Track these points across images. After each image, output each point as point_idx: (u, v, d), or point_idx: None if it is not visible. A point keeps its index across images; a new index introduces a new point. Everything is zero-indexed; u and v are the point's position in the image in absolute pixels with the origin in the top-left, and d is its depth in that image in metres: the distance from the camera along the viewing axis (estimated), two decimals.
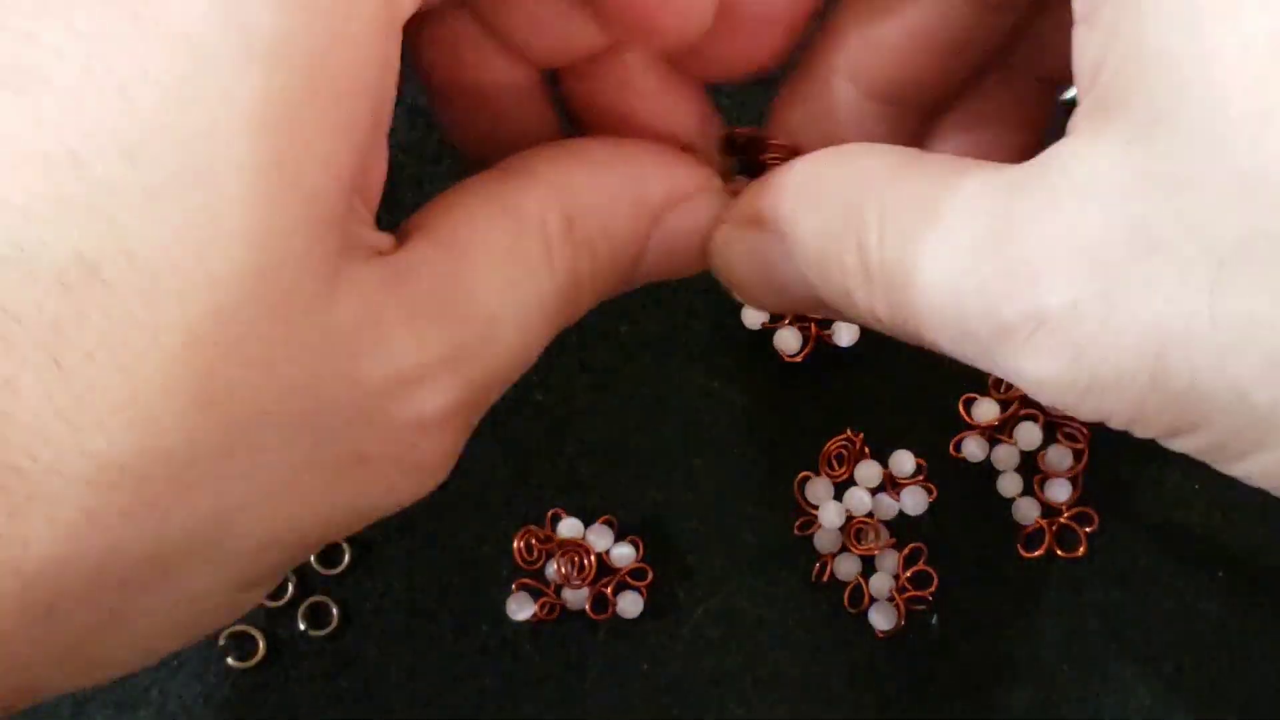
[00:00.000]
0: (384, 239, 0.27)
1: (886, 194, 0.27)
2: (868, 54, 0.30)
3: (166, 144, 0.23)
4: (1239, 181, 0.22)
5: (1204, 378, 0.23)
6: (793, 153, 0.30)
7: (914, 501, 0.41)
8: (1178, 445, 0.25)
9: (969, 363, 0.27)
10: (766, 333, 0.41)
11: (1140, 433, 0.25)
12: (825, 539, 0.41)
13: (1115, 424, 0.26)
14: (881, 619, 0.40)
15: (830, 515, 0.41)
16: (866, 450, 0.41)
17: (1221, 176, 0.23)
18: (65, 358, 0.22)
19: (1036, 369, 0.25)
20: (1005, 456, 0.41)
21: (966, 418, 0.41)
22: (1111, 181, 0.24)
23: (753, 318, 0.41)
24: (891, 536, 0.41)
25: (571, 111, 0.32)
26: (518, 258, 0.28)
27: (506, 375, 0.30)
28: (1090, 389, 0.25)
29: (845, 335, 0.41)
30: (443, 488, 0.41)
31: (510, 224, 0.28)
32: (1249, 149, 0.22)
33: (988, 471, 0.41)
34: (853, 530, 0.41)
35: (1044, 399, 0.25)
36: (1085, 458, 0.41)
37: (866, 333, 0.41)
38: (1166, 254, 0.23)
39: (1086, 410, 0.25)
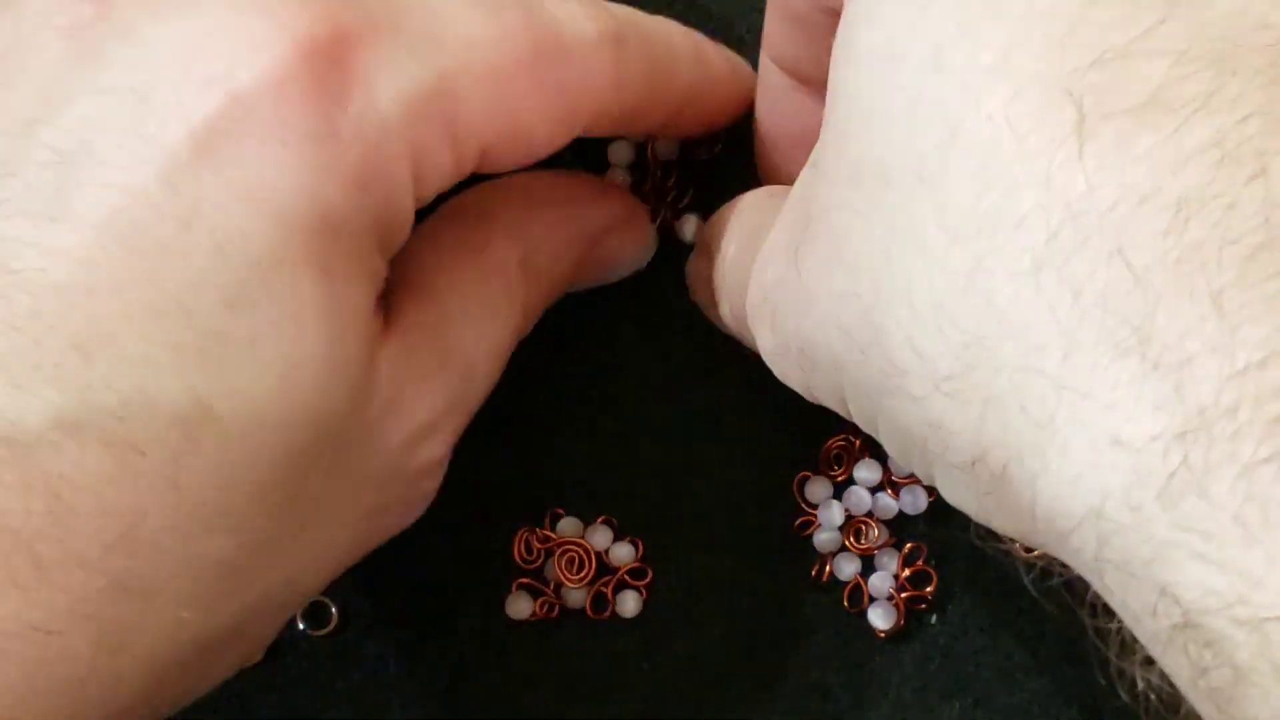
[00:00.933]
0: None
1: (747, 224, 0.34)
2: (776, 37, 0.35)
3: (260, 294, 0.27)
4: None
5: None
6: None
7: (913, 500, 0.41)
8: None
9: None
10: None
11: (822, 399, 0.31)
12: (825, 538, 0.41)
13: (808, 394, 0.32)
14: (881, 618, 0.40)
15: (830, 515, 0.41)
16: (866, 450, 0.41)
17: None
18: (182, 480, 0.26)
19: (762, 339, 0.32)
20: None
21: None
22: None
23: None
24: (891, 536, 0.41)
25: None
26: (487, 302, 0.33)
27: (479, 406, 0.34)
28: (784, 354, 0.31)
29: None
30: (443, 487, 0.41)
31: (478, 272, 0.33)
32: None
33: None
34: (852, 530, 0.41)
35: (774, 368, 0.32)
36: None
37: None
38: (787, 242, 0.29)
39: (791, 379, 0.31)
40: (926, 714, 0.40)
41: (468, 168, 0.31)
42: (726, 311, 0.36)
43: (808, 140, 0.30)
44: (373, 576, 0.41)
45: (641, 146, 0.41)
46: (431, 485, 0.34)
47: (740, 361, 0.41)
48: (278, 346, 0.27)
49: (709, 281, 0.37)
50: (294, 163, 0.27)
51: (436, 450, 0.32)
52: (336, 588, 0.40)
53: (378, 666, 0.41)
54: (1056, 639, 0.41)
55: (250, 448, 0.27)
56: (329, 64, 0.28)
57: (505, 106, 0.30)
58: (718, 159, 0.42)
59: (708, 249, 0.37)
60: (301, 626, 0.41)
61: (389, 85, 0.28)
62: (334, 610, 0.41)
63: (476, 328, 0.33)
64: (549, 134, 0.32)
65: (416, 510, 0.34)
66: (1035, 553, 0.34)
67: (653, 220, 0.41)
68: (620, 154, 0.41)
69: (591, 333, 0.41)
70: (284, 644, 0.41)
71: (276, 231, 0.27)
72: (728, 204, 0.37)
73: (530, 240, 0.35)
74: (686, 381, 0.41)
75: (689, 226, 0.41)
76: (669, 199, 0.41)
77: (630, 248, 0.39)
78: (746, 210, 0.35)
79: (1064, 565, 0.25)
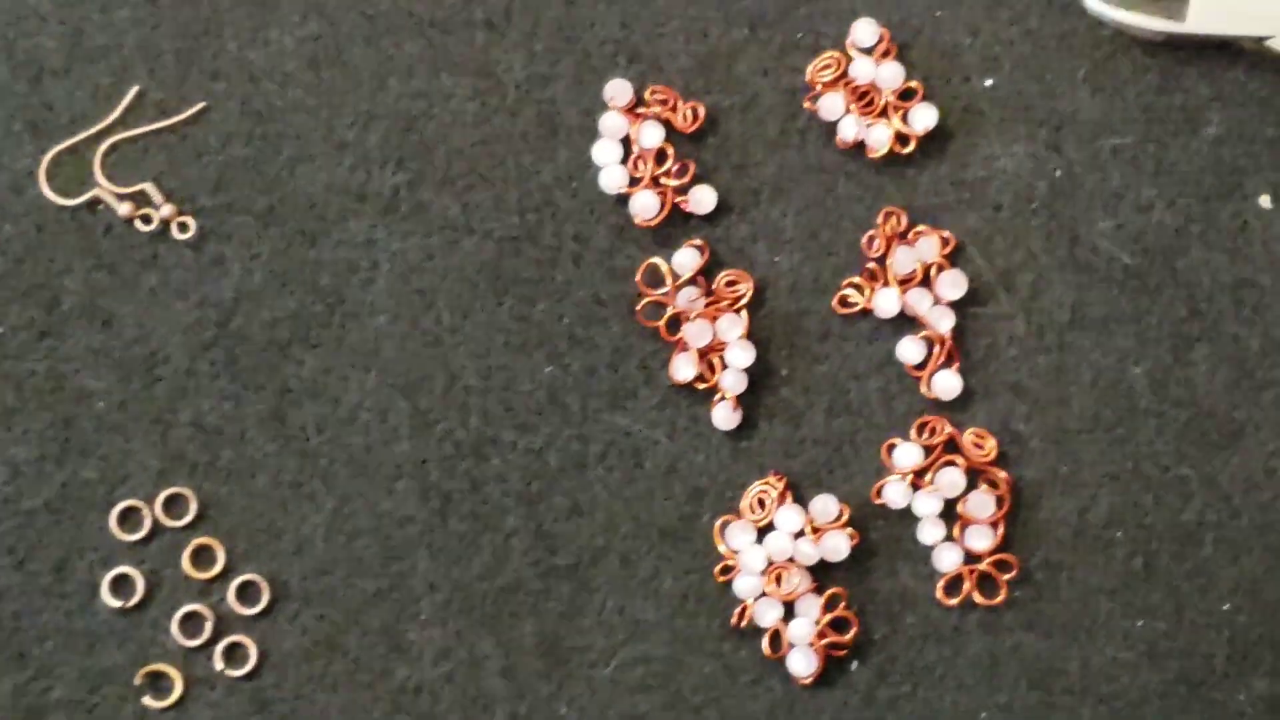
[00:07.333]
0: None
1: None
2: None
3: None
4: None
5: None
6: None
7: (835, 547, 0.40)
8: None
9: None
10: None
11: None
12: (745, 584, 0.40)
13: None
14: (801, 665, 0.40)
15: (751, 560, 0.40)
16: (788, 495, 0.41)
17: None
18: None
19: None
20: (926, 503, 0.41)
21: (888, 463, 0.41)
22: None
23: (683, 371, 0.41)
24: (813, 582, 0.41)
25: None
26: None
27: None
28: None
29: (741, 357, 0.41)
30: (360, 529, 0.41)
31: None
32: None
33: (909, 517, 0.41)
34: (773, 575, 0.40)
35: None
36: (1006, 504, 0.41)
37: (786, 379, 0.41)
38: None
39: None
40: None
41: None
42: None
43: None
44: (291, 617, 0.41)
45: (625, 139, 0.42)
46: None
47: (664, 405, 0.41)
48: None
49: None
50: None
51: None
52: (255, 627, 0.40)
53: (295, 708, 0.40)
54: (976, 685, 0.40)
55: None
56: None
57: None
58: (703, 128, 0.42)
59: None
60: (219, 666, 0.40)
61: None
62: (252, 651, 0.40)
63: None
64: None
65: None
66: None
67: (661, 205, 0.41)
68: (605, 154, 0.41)
69: (515, 374, 0.41)
70: (201, 683, 0.40)
71: None
72: None
73: None
74: (610, 424, 0.41)
75: (705, 197, 0.41)
76: (671, 180, 0.41)
77: None
78: None
79: None
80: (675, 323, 0.41)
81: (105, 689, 0.40)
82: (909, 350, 0.41)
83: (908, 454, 0.41)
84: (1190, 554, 0.41)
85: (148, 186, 0.41)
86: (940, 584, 0.41)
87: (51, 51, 0.42)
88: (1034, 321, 0.41)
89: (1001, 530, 0.41)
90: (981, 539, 0.41)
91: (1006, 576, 0.41)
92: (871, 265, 0.41)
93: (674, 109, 0.42)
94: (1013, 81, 0.42)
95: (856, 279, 0.41)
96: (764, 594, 0.40)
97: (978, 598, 0.41)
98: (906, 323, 0.41)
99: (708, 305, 0.41)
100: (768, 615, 0.40)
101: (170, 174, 0.42)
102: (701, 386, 0.41)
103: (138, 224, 0.41)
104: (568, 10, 0.42)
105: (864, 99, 0.42)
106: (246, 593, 0.41)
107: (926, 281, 0.41)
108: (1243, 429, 0.41)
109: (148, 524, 0.41)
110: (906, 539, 0.41)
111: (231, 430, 0.41)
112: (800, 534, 0.41)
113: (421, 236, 0.42)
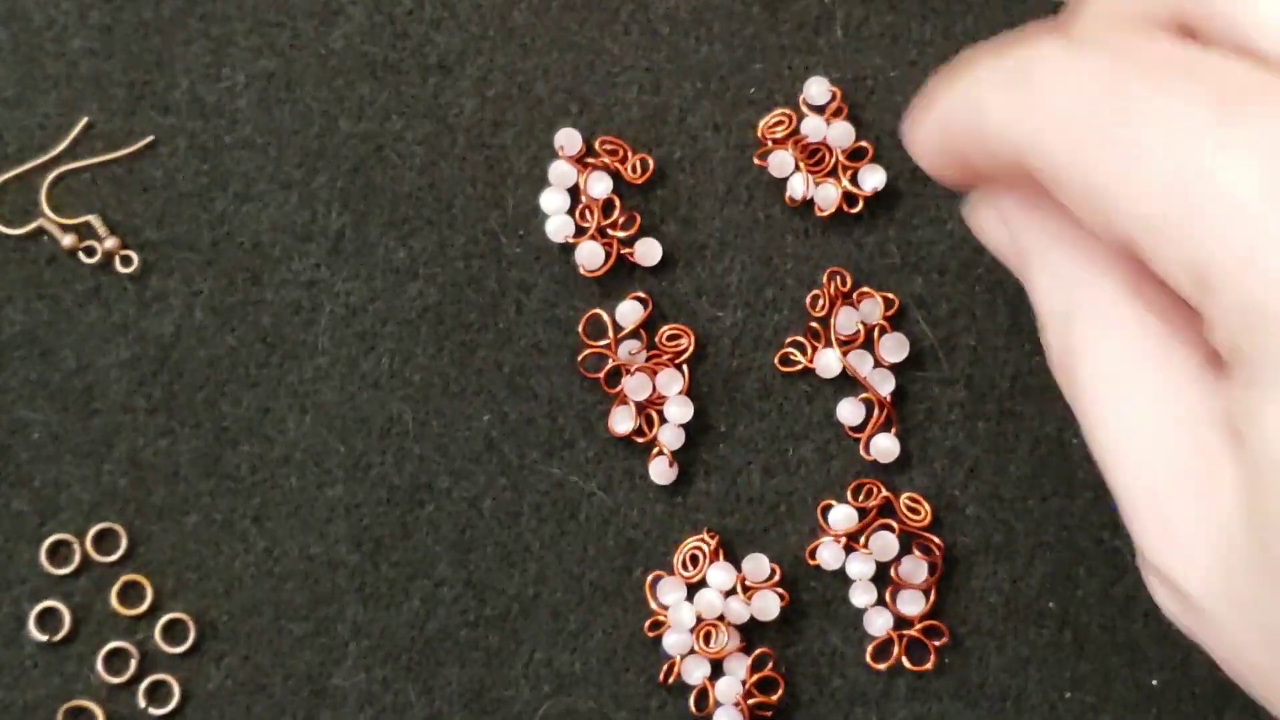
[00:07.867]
0: None
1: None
2: None
3: None
4: None
5: None
6: None
7: (765, 606, 0.40)
8: None
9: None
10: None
11: None
12: (674, 640, 0.40)
13: None
14: None
15: (680, 616, 0.40)
16: (721, 552, 0.41)
17: None
18: None
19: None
20: (860, 566, 0.41)
21: (823, 524, 0.41)
22: None
23: (622, 424, 0.41)
24: (742, 641, 0.40)
25: None
26: None
27: None
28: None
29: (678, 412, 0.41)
30: (289, 571, 0.40)
31: None
32: None
33: (842, 579, 0.41)
34: (702, 633, 0.40)
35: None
36: (939, 571, 0.40)
37: (725, 435, 0.41)
38: None
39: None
40: None
41: None
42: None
43: None
44: (217, 657, 0.40)
45: (574, 188, 0.42)
46: None
47: (600, 458, 0.41)
48: None
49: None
50: None
51: None
52: (179, 666, 0.40)
53: None
54: None
55: None
56: None
57: None
58: (652, 180, 0.42)
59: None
60: (142, 704, 0.40)
61: None
62: (176, 690, 0.40)
63: None
64: None
65: None
66: None
67: (606, 255, 0.41)
68: (553, 202, 0.41)
69: (452, 418, 0.41)
70: None
71: None
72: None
73: None
74: (545, 474, 0.41)
75: (651, 250, 0.41)
76: (618, 231, 0.41)
77: None
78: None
79: None
80: (616, 375, 0.41)
81: None
82: (849, 411, 0.41)
83: (843, 516, 0.41)
84: (1121, 627, 0.41)
85: (93, 219, 0.41)
86: (870, 648, 0.41)
87: (2, 79, 0.42)
88: (975, 387, 0.41)
89: (933, 596, 0.41)
90: (913, 604, 0.40)
91: (936, 643, 0.40)
92: (815, 325, 0.41)
93: (623, 160, 0.42)
94: None
95: (799, 338, 0.41)
96: (693, 651, 0.40)
97: (907, 663, 0.40)
98: (847, 383, 0.41)
99: (649, 359, 0.41)
100: (695, 673, 0.40)
101: (116, 207, 0.42)
102: (639, 440, 0.41)
103: (81, 256, 0.41)
104: (521, 57, 0.42)
105: (814, 157, 0.42)
106: (173, 631, 0.40)
107: (869, 343, 0.41)
108: None
109: (77, 558, 0.41)
110: (838, 601, 0.41)
111: (165, 467, 0.41)
112: (732, 592, 0.41)
113: (365, 279, 0.41)
